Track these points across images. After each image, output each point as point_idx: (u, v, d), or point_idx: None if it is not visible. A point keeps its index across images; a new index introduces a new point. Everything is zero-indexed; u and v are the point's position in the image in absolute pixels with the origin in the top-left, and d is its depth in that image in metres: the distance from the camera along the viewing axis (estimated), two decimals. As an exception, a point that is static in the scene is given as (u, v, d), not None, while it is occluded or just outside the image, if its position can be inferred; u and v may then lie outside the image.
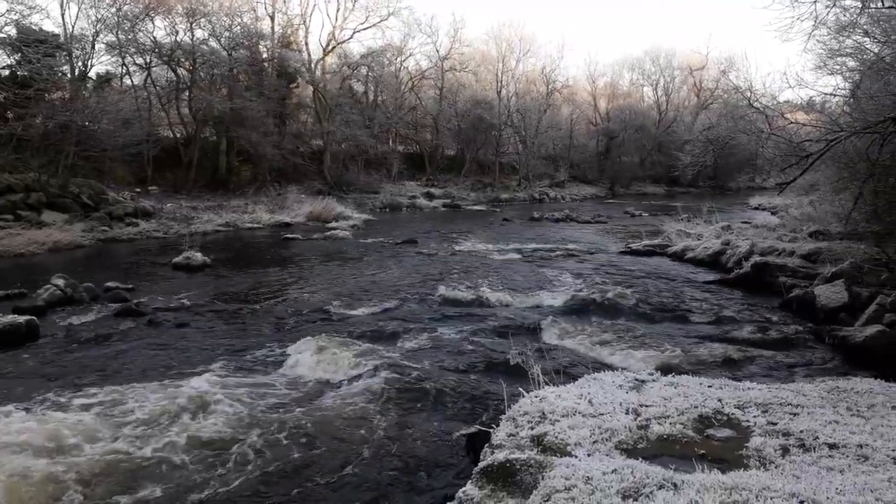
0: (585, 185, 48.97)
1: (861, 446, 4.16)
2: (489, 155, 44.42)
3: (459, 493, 3.85)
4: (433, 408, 6.35)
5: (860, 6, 9.58)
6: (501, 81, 45.09)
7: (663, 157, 51.52)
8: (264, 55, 33.23)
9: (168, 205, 23.51)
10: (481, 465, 4.04)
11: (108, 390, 6.57)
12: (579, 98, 55.49)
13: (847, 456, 4.03)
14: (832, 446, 4.19)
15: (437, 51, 43.22)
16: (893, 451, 4.04)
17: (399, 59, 42.23)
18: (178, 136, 30.20)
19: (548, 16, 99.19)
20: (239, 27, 31.00)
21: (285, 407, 6.29)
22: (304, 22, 35.27)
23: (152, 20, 28.41)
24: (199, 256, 14.44)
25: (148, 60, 29.05)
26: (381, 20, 37.30)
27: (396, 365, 7.51)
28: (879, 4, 9.47)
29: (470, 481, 3.94)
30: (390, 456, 5.33)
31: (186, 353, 8.07)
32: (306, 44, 35.64)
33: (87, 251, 16.65)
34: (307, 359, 7.76)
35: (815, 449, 4.16)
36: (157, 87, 30.09)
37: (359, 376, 7.19)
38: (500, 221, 27.44)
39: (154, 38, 28.70)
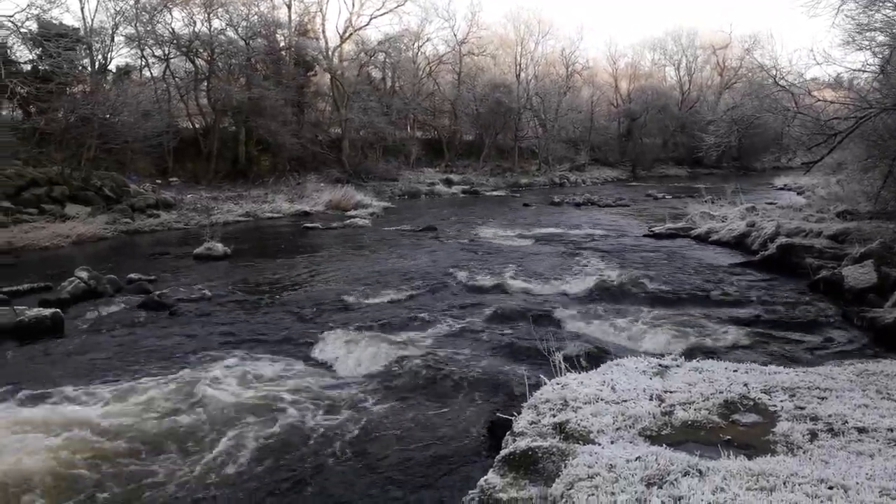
0: (606, 168, 48.45)
1: (892, 430, 4.05)
2: (508, 139, 44.10)
3: (481, 482, 3.82)
4: (454, 395, 6.33)
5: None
6: (520, 64, 44.69)
7: (686, 138, 50.83)
8: (281, 44, 33.20)
9: (189, 196, 23.69)
10: (503, 452, 4.01)
11: (133, 380, 6.65)
12: (600, 80, 54.84)
13: (877, 440, 3.93)
14: (862, 430, 4.09)
15: (455, 35, 42.97)
16: (927, 435, 3.93)
17: (416, 44, 42.06)
18: (198, 126, 30.34)
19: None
20: (256, 16, 31.02)
21: (306, 396, 6.30)
22: (321, 9, 35.21)
23: (170, 11, 28.52)
24: (219, 247, 14.52)
25: (166, 52, 29.20)
26: (398, 5, 37.08)
27: (416, 352, 7.50)
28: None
29: (492, 469, 3.91)
30: (411, 443, 5.32)
31: (209, 344, 8.11)
32: (323, 31, 35.64)
33: (109, 243, 16.84)
34: (329, 347, 7.79)
35: (844, 433, 4.06)
36: (176, 79, 30.24)
37: (380, 364, 7.20)
38: (519, 207, 27.27)
39: (172, 29, 28.83)
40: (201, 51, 29.68)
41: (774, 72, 13.88)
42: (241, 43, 30.23)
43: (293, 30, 33.42)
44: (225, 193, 25.20)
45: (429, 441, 5.37)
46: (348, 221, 21.15)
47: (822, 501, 3.03)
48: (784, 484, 3.22)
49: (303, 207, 24.22)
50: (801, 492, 3.13)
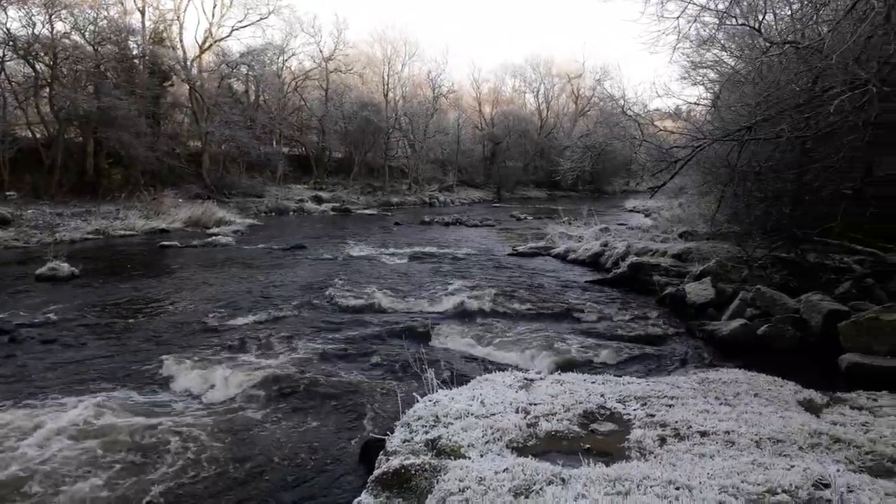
0: (473, 189, 49.94)
1: (728, 433, 4.47)
2: (378, 158, 44.29)
3: (354, 503, 3.80)
4: (325, 418, 6.21)
5: (718, 22, 10.38)
6: (388, 84, 45.12)
7: (545, 162, 53.61)
8: (134, 51, 31.31)
9: (29, 211, 21.61)
10: (376, 473, 4.00)
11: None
12: (465, 103, 56.63)
13: (717, 442, 4.32)
14: (703, 434, 4.48)
15: (321, 51, 42.68)
16: (755, 435, 4.38)
17: (281, 58, 41.25)
18: (39, 136, 27.85)
19: (431, 19, 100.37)
20: (105, 21, 29.02)
21: (165, 425, 5.92)
22: (178, 17, 33.60)
23: (5, 10, 25.98)
24: (66, 267, 13.36)
25: (2, 54, 26.56)
26: (262, 18, 36.40)
27: (285, 375, 7.29)
28: (734, 22, 10.29)
29: (365, 490, 3.89)
30: (281, 470, 5.17)
31: (57, 372, 7.41)
32: (181, 41, 34.02)
33: (-69, 263, 14.99)
34: (187, 373, 7.37)
35: (688, 437, 4.43)
36: (13, 84, 27.58)
37: (244, 388, 6.91)
38: (391, 226, 27.41)
39: (7, 29, 26.26)
40: (42, 55, 27.28)
41: (622, 102, 15.01)
42: (89, 48, 28.14)
43: (147, 37, 31.64)
44: (71, 209, 23.24)
45: (300, 466, 5.24)
46: (210, 239, 20.24)
47: (670, 501, 3.30)
48: (638, 487, 3.47)
49: (159, 225, 22.94)
50: (652, 493, 3.39)
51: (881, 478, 3.75)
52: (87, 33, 28.03)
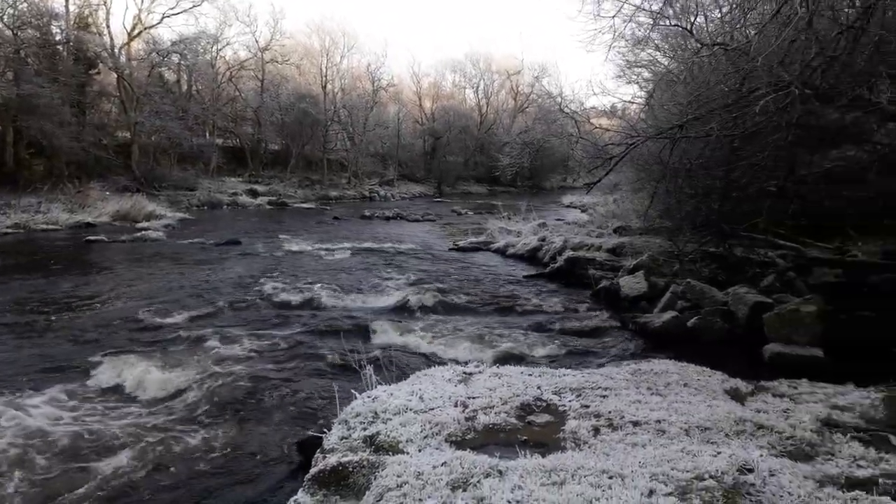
0: (414, 183, 49.82)
1: (659, 422, 4.62)
2: (316, 151, 43.60)
3: (290, 502, 3.74)
4: (261, 417, 6.09)
5: (652, 23, 10.65)
6: (326, 76, 44.39)
7: (485, 157, 53.94)
8: (58, 37, 29.80)
9: (-60, 203, 20.37)
10: (313, 471, 3.96)
11: None
12: (405, 97, 56.39)
13: (648, 431, 4.46)
14: (636, 424, 4.61)
15: (257, 41, 41.65)
16: (685, 424, 4.54)
17: (215, 47, 40.06)
18: (-48, 124, 26.25)
19: (369, 10, 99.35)
20: (25, 4, 27.53)
21: (92, 427, 5.68)
22: (105, 2, 32.08)
23: (-85, -10, 24.39)
24: (-19, 262, 12.69)
25: (-90, 36, 24.91)
26: (194, 6, 35.08)
27: (219, 373, 7.11)
28: (667, 23, 10.58)
29: (301, 489, 3.84)
30: (215, 471, 5.03)
31: (-34, 374, 7.02)
32: (108, 27, 32.45)
33: None
34: (115, 373, 7.10)
35: (621, 427, 4.55)
36: (-77, 68, 25.88)
37: (176, 388, 6.71)
38: (330, 220, 27.06)
39: (-83, 10, 24.67)
40: (-44, 38, 25.72)
41: (560, 99, 15.25)
42: (8, 33, 26.64)
43: (72, 22, 30.17)
44: (-13, 202, 22.03)
45: (236, 466, 5.11)
46: (139, 234, 19.55)
47: (603, 490, 3.38)
48: (572, 477, 3.54)
49: (85, 218, 21.99)
50: (586, 483, 3.46)
51: (800, 461, 3.95)
52: (5, 17, 26.53)
